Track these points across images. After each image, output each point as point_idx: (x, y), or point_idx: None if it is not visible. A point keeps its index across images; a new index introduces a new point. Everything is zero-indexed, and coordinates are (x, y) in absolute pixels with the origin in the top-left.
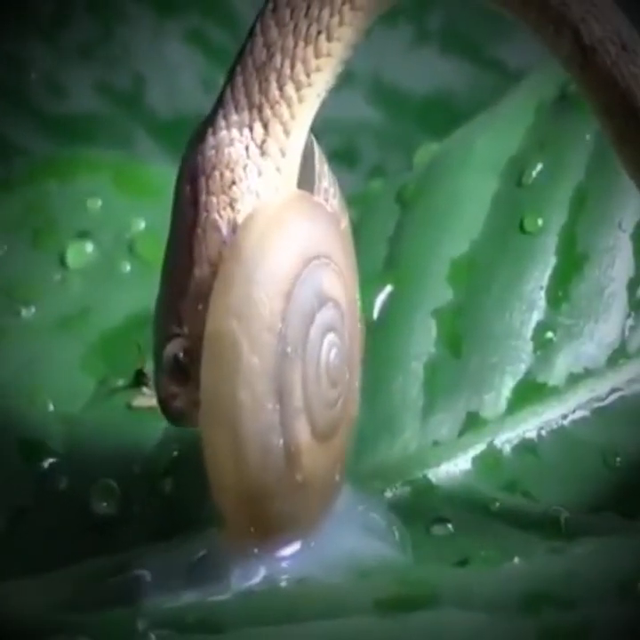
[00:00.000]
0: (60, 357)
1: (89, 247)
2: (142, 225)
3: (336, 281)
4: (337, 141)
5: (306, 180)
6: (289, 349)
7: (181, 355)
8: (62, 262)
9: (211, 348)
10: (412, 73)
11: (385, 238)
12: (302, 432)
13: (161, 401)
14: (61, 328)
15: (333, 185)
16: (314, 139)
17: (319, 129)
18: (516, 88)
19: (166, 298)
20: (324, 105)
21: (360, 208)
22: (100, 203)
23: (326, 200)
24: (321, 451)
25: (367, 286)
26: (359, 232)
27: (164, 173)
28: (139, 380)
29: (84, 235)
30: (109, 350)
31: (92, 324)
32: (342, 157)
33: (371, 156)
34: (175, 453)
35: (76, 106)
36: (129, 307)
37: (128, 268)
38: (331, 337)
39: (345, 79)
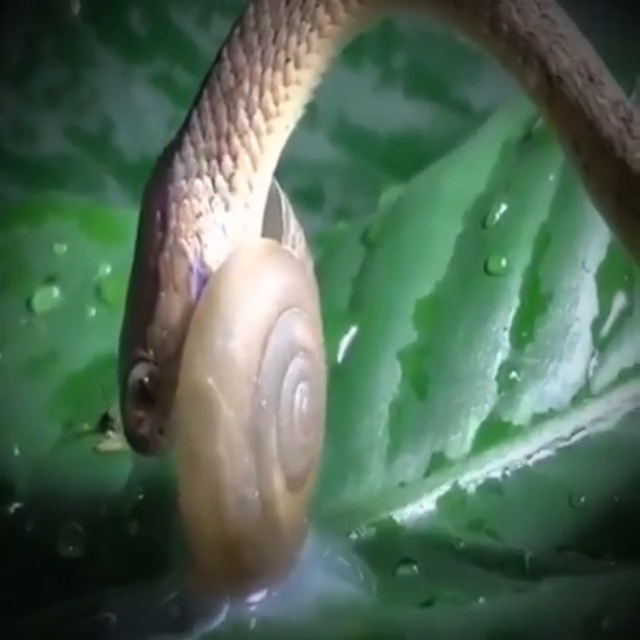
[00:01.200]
0: (26, 401)
1: (55, 291)
2: (108, 269)
3: (306, 330)
4: (302, 182)
5: (274, 227)
6: (264, 402)
7: (147, 379)
8: (29, 307)
9: (188, 401)
10: (377, 114)
11: (350, 279)
12: (277, 482)
13: (127, 429)
14: (27, 372)
15: (299, 230)
16: (279, 185)
17: (284, 169)
18: (481, 129)
19: (132, 322)
20: (288, 145)
21: (325, 249)
22: (66, 247)
23: (293, 247)
24: (293, 498)
25: (332, 328)
26: (324, 273)
27: (130, 217)
28: (105, 423)
29: (50, 279)
30: (75, 394)
31: (58, 369)
32: (307, 198)
33: (335, 197)
34: (140, 497)
35: (44, 150)
36: (95, 351)
37: (94, 312)
38: (302, 386)
39: (310, 120)
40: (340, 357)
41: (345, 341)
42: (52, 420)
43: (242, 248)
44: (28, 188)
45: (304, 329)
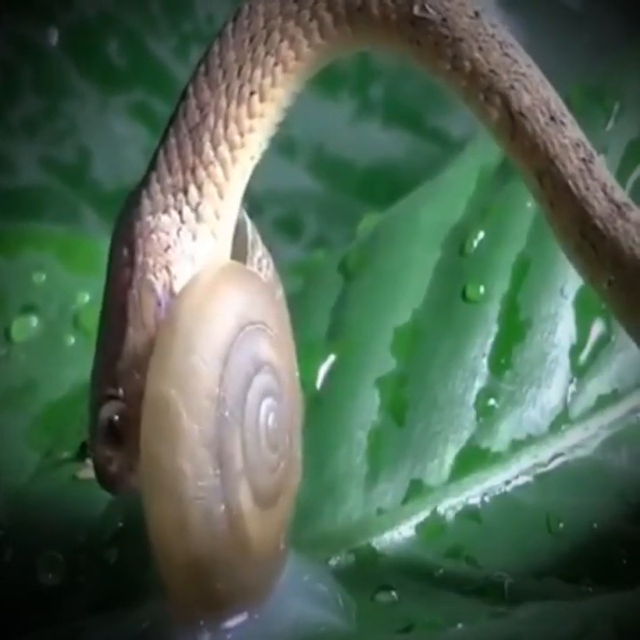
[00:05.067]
0: (4, 430)
1: (34, 321)
2: (86, 298)
3: (272, 346)
4: (280, 212)
5: (239, 251)
6: (227, 414)
7: (116, 418)
8: (7, 336)
9: (150, 415)
10: (355, 144)
11: (328, 308)
12: (244, 497)
13: (97, 468)
14: (6, 402)
15: (266, 256)
16: (245, 211)
17: (262, 199)
18: (458, 157)
19: (101, 360)
20: (266, 175)
21: (303, 278)
22: (44, 277)
23: (260, 270)
24: (265, 518)
25: (311, 356)
26: (302, 302)
27: (107, 247)
28: (84, 451)
29: (28, 308)
30: (54, 423)
31: (37, 398)
32: (285, 228)
33: (313, 226)
34: (120, 524)
35: (21, 180)
36: (73, 379)
37: (72, 341)
38: (268, 401)
39: (288, 150)
40: (318, 385)
41: (323, 369)
42: (31, 449)
43: (205, 268)
44: (6, 218)
45: (269, 345)
